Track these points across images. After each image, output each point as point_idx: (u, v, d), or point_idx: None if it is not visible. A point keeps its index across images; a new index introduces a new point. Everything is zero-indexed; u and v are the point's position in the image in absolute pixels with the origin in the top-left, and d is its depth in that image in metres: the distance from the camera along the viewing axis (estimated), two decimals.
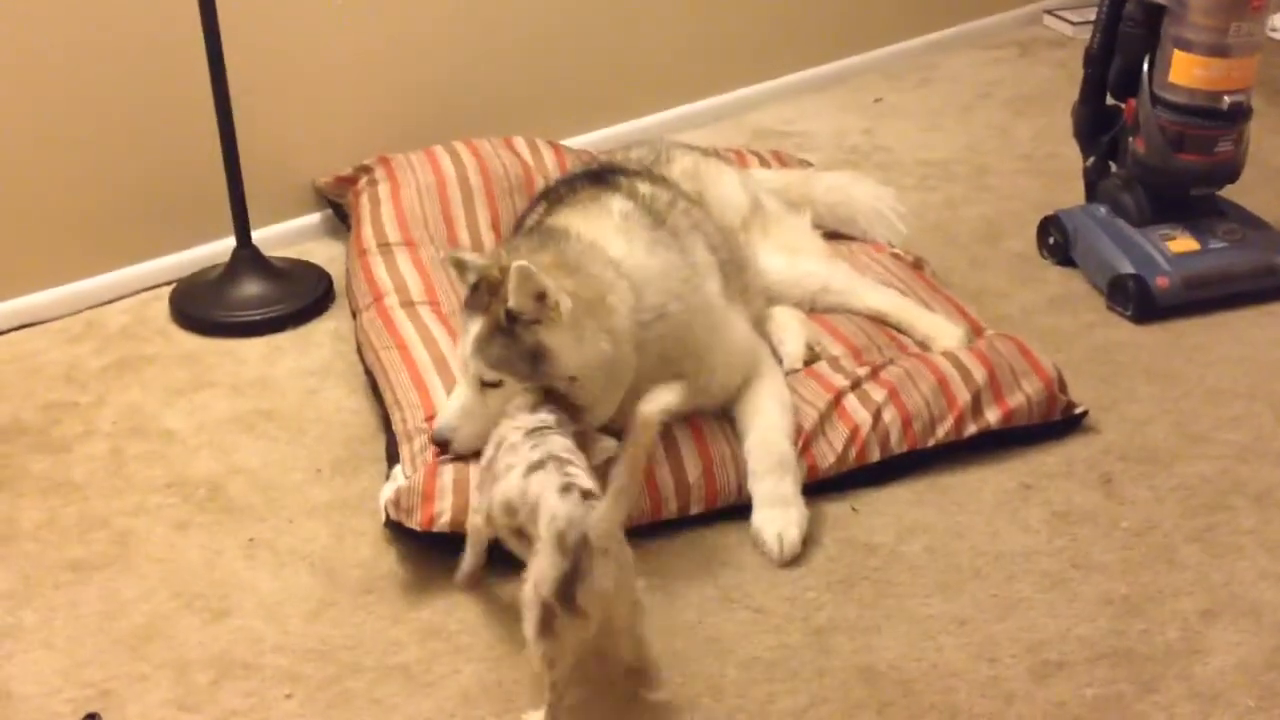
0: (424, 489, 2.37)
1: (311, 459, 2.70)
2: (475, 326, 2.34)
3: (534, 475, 2.06)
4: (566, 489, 1.99)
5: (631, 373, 2.39)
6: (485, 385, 2.36)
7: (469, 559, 2.29)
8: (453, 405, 2.42)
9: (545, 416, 2.23)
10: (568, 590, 1.92)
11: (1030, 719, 2.09)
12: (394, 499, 2.38)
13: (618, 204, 2.60)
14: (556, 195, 2.77)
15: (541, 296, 2.27)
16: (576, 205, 2.64)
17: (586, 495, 1.99)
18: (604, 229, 2.51)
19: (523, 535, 2.09)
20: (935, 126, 4.18)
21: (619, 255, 2.45)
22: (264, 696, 2.15)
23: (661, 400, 1.90)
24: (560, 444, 2.15)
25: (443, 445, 2.40)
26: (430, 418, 2.54)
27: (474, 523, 2.27)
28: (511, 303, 2.27)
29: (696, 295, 2.53)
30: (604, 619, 1.97)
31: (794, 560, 2.40)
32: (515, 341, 2.30)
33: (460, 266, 2.43)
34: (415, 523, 2.35)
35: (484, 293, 2.35)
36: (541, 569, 1.95)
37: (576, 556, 1.92)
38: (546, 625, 1.95)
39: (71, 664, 2.21)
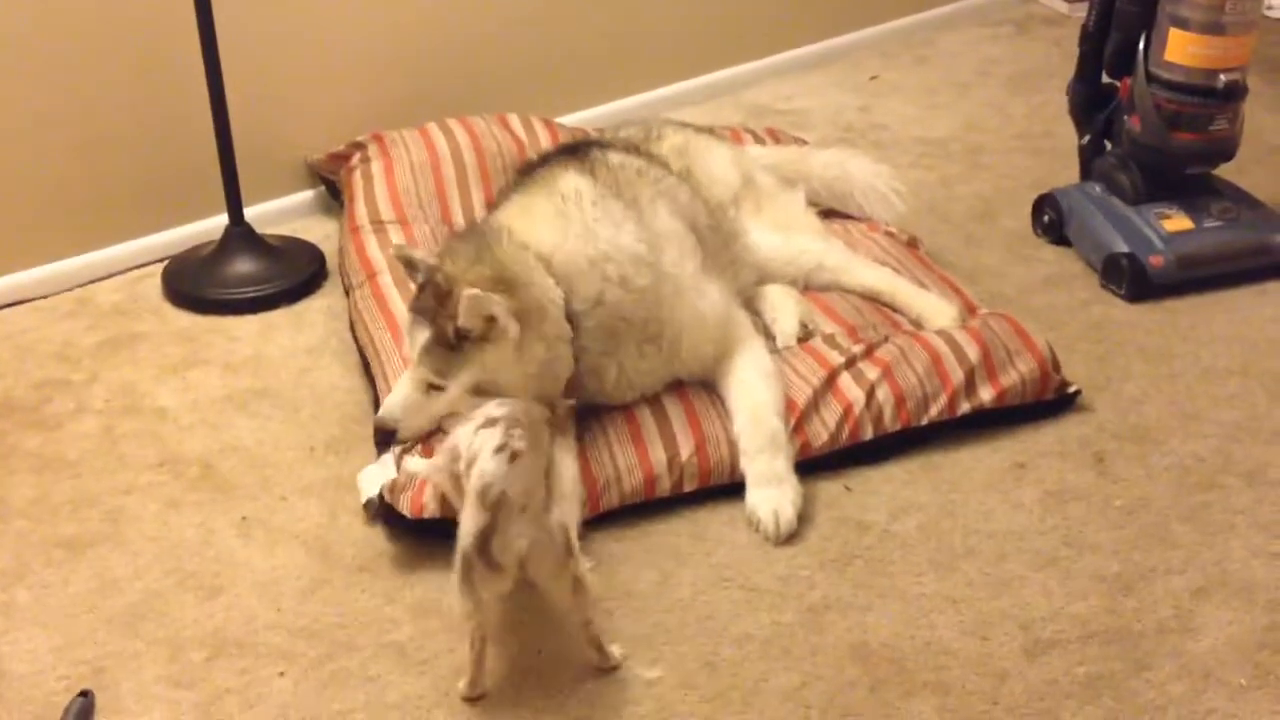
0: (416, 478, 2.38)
1: (305, 437, 2.70)
2: (422, 335, 2.40)
3: (483, 430, 2.10)
4: (500, 448, 2.04)
5: (569, 366, 2.47)
6: (430, 387, 2.42)
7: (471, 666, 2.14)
8: (396, 398, 2.46)
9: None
10: (484, 544, 1.99)
11: (1022, 696, 2.09)
12: (390, 488, 2.38)
13: (566, 184, 2.60)
14: (526, 171, 2.80)
15: (491, 320, 2.34)
16: (526, 190, 2.67)
17: (515, 456, 2.04)
18: (538, 221, 2.53)
19: (458, 482, 2.14)
20: (931, 104, 4.17)
21: (548, 250, 2.48)
22: (257, 674, 2.15)
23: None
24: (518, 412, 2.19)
25: (387, 435, 2.45)
26: None
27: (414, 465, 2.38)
28: (462, 322, 2.34)
29: (651, 269, 2.54)
30: (528, 580, 2.04)
31: (789, 538, 2.40)
32: (461, 354, 2.38)
33: (409, 264, 2.48)
34: (406, 510, 2.35)
35: (430, 297, 2.40)
36: (464, 522, 2.03)
37: (494, 512, 1.99)
38: (466, 578, 2.00)
39: (64, 642, 2.21)
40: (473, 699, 2.09)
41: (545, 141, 3.38)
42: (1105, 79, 3.32)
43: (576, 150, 2.80)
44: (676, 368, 2.58)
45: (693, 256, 2.64)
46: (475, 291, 2.31)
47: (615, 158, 2.72)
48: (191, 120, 3.15)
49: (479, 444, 2.08)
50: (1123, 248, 3.14)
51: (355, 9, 3.47)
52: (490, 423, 2.11)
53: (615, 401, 2.55)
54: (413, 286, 2.47)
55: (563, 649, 2.17)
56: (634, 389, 2.56)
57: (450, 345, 2.37)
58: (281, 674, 2.15)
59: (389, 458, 2.50)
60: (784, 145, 3.53)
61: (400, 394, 2.46)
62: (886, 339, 2.73)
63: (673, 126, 3.06)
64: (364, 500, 2.45)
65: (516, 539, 2.00)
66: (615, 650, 2.14)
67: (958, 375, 2.64)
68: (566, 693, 2.10)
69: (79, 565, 2.38)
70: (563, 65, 3.87)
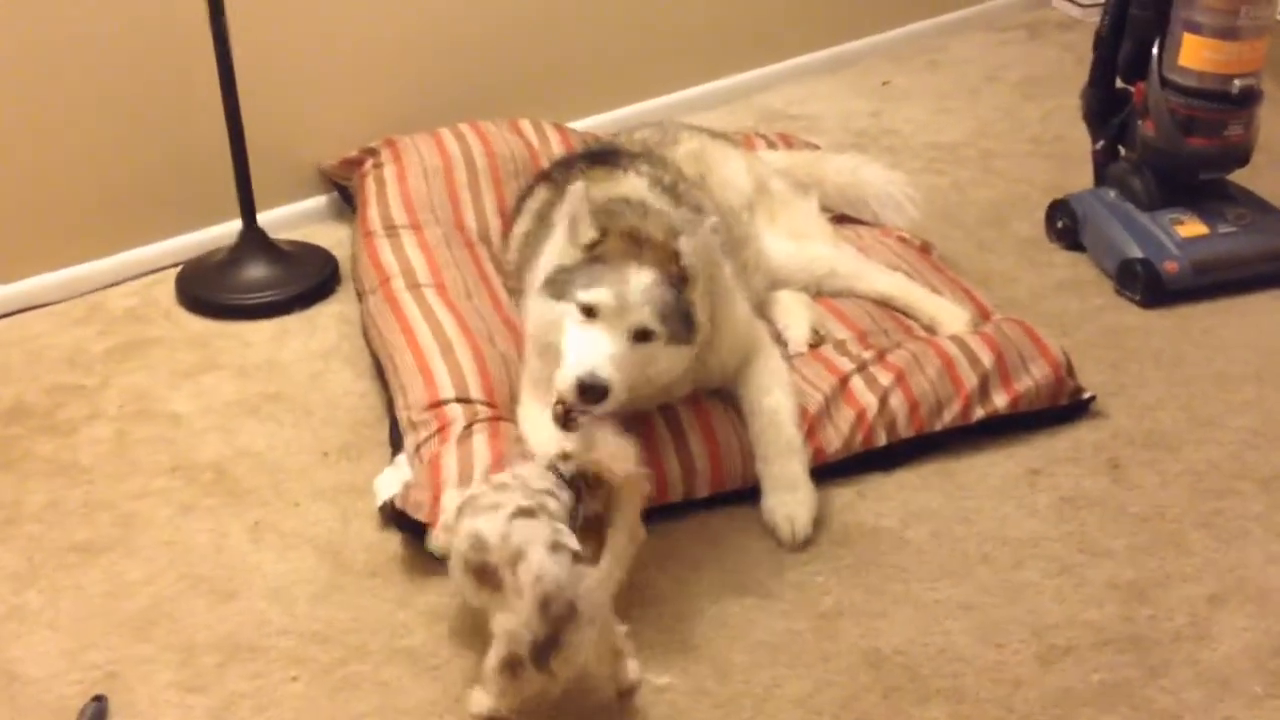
0: (429, 482, 2.37)
1: (318, 442, 2.70)
2: (642, 276, 2.28)
3: (520, 520, 1.95)
4: (556, 547, 1.90)
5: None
6: (636, 338, 2.29)
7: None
8: (599, 350, 2.23)
9: (553, 487, 2.08)
10: (542, 655, 1.85)
11: (1037, 704, 2.08)
12: (404, 494, 2.38)
13: (636, 181, 2.59)
14: (557, 178, 2.76)
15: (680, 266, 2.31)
16: (599, 184, 2.60)
17: (576, 558, 1.90)
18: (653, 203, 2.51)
19: (484, 574, 1.98)
20: (943, 109, 4.17)
21: None
22: (269, 679, 2.15)
23: (634, 458, 2.05)
24: (556, 508, 2.03)
25: (588, 394, 2.20)
26: (434, 405, 2.53)
27: (435, 540, 2.23)
28: (685, 262, 2.30)
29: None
30: (579, 677, 1.92)
31: (805, 544, 2.39)
32: (678, 299, 2.31)
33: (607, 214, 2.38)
34: (424, 516, 2.34)
35: (635, 245, 2.32)
36: (518, 626, 1.86)
37: (558, 624, 1.84)
38: (510, 670, 1.88)
39: (77, 646, 2.21)
40: None
41: (557, 146, 3.38)
42: (1119, 84, 3.31)
43: (602, 158, 2.77)
44: (704, 374, 2.55)
45: (729, 261, 2.63)
46: (690, 238, 2.31)
47: (646, 168, 2.69)
48: (205, 126, 3.15)
49: (522, 537, 1.91)
50: (1137, 253, 3.13)
51: (367, 15, 3.47)
52: (525, 512, 1.95)
53: (642, 406, 2.52)
54: (587, 237, 2.32)
55: None
56: (665, 393, 2.54)
57: (672, 286, 2.30)
58: (294, 679, 2.15)
59: (403, 459, 2.50)
60: (796, 150, 3.52)
61: (606, 346, 2.24)
62: (899, 344, 2.72)
63: (688, 131, 3.06)
64: (379, 504, 2.45)
65: (580, 652, 1.84)
66: (633, 667, 2.03)
67: (971, 381, 2.64)
68: (579, 700, 2.09)
69: (92, 570, 2.38)
70: (575, 70, 3.87)
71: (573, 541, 1.94)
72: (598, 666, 1.96)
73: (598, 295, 2.26)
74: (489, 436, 2.46)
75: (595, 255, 2.32)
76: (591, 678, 2.00)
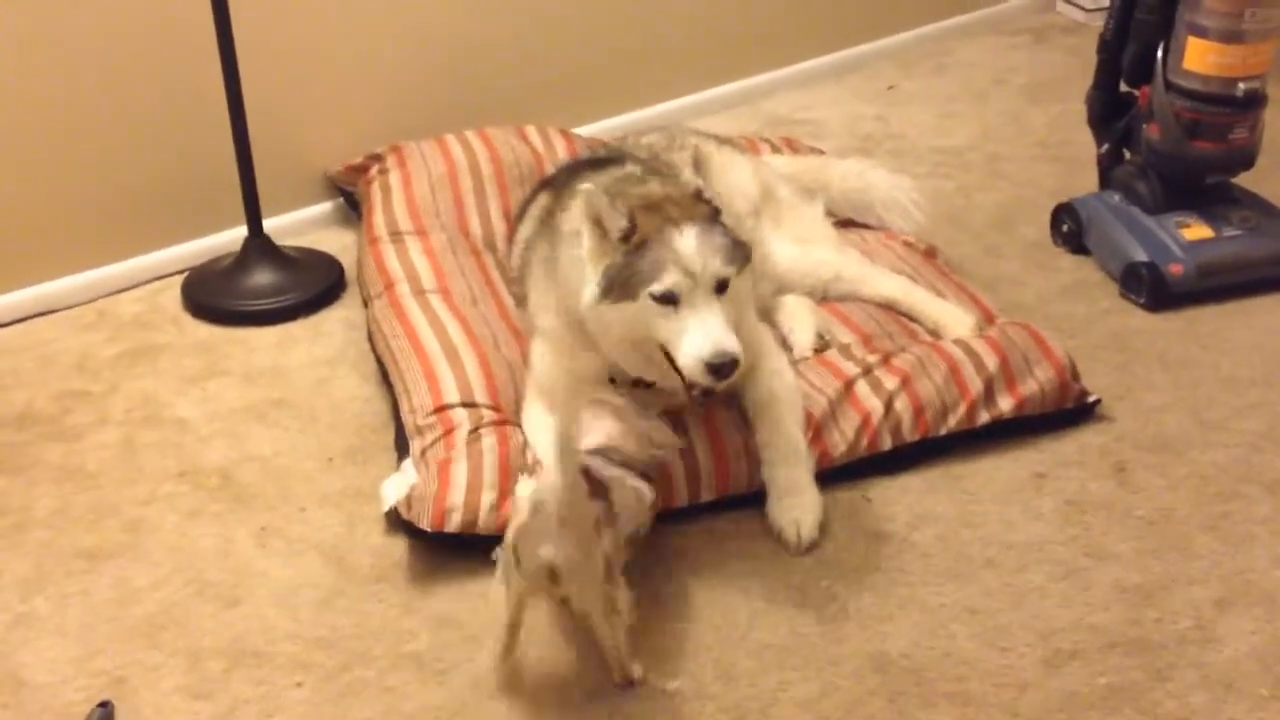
0: (436, 490, 2.38)
1: (323, 447, 2.70)
2: (689, 235, 2.28)
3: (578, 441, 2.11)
4: (537, 506, 2.02)
5: None
6: (719, 290, 2.29)
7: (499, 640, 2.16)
8: (707, 327, 2.25)
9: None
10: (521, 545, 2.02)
11: (1042, 708, 2.08)
12: (406, 503, 2.38)
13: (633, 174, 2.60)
14: (559, 184, 2.75)
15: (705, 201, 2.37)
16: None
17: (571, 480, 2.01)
18: None
19: None
20: (949, 114, 4.17)
21: None
22: (275, 685, 2.15)
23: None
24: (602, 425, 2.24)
25: (721, 371, 2.24)
26: (439, 409, 2.54)
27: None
28: (707, 195, 2.36)
29: None
30: (560, 594, 2.05)
31: (810, 548, 2.39)
32: (723, 231, 2.34)
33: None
34: (427, 524, 2.35)
35: (661, 210, 2.32)
36: (513, 516, 2.08)
37: (535, 517, 2.00)
38: (505, 569, 2.06)
39: (84, 652, 2.22)
40: (502, 670, 2.13)
41: (562, 152, 3.38)
42: (1124, 88, 3.31)
43: (605, 164, 2.77)
44: None
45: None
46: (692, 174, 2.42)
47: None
48: (211, 133, 3.16)
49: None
50: (1142, 256, 3.12)
51: (373, 22, 3.48)
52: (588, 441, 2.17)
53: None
54: (619, 227, 2.29)
55: (581, 660, 2.17)
56: (665, 402, 2.55)
57: (716, 224, 2.33)
58: (299, 684, 2.15)
59: (409, 464, 2.50)
60: (801, 155, 3.53)
61: (709, 318, 2.25)
62: (904, 349, 2.72)
63: (695, 136, 3.06)
64: (385, 509, 2.45)
65: (543, 547, 1.99)
66: (637, 668, 2.13)
67: (976, 385, 2.64)
68: (585, 704, 2.10)
69: (99, 575, 2.38)
70: (580, 77, 3.88)
71: (583, 457, 2.10)
72: (583, 600, 2.06)
73: (670, 279, 2.26)
74: (496, 441, 2.47)
75: (638, 242, 2.29)
76: (583, 618, 2.09)
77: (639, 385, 2.45)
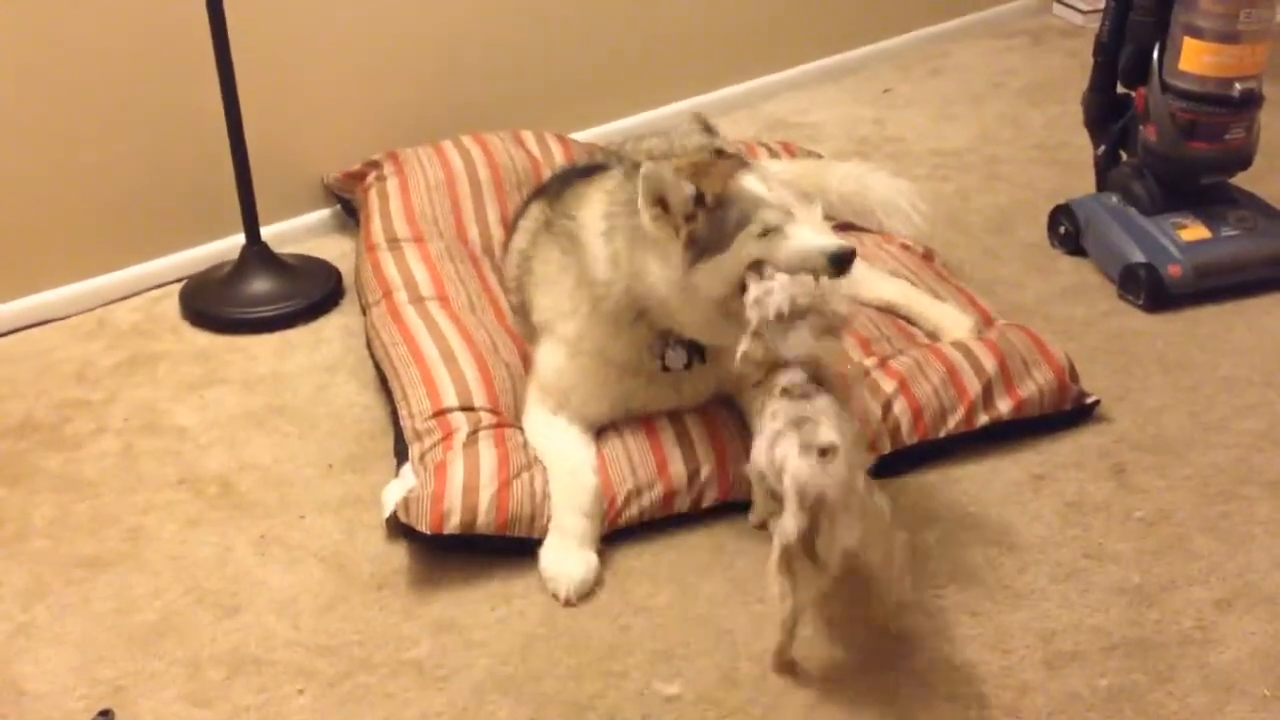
0: (434, 490, 2.37)
1: (323, 454, 2.70)
2: (748, 176, 2.37)
3: (777, 444, 2.10)
4: (806, 448, 2.04)
5: None
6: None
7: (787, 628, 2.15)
8: (819, 229, 2.40)
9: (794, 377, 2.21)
10: (808, 543, 2.01)
11: (1043, 709, 2.08)
12: (404, 505, 2.38)
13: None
14: (553, 192, 2.75)
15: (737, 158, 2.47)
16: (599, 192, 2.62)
17: (824, 452, 2.02)
18: None
19: (777, 497, 2.14)
20: (946, 116, 4.17)
21: None
22: (276, 692, 2.15)
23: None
24: (795, 409, 2.15)
25: (843, 261, 2.29)
26: (438, 413, 2.54)
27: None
28: (734, 150, 2.50)
29: None
30: (851, 567, 2.06)
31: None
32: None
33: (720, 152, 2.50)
34: (425, 527, 2.35)
35: (712, 168, 2.38)
36: (785, 521, 2.03)
37: (814, 514, 1.99)
38: (786, 564, 2.04)
39: (84, 661, 2.22)
40: (783, 669, 2.14)
41: (560, 158, 3.38)
42: (1120, 89, 3.31)
43: (600, 170, 2.78)
44: (719, 378, 2.57)
45: None
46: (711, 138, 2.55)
47: None
48: (208, 141, 3.16)
49: (780, 454, 2.08)
50: (1140, 258, 3.12)
51: (369, 30, 3.48)
52: (777, 436, 2.10)
53: (658, 408, 2.56)
54: (686, 193, 2.31)
55: (573, 663, 2.17)
56: (684, 397, 2.56)
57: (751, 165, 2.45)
58: (300, 692, 2.15)
59: (408, 470, 2.50)
60: (799, 159, 3.53)
61: (820, 226, 2.45)
62: (902, 352, 2.72)
63: (695, 139, 3.05)
64: (386, 516, 2.45)
65: (843, 537, 2.01)
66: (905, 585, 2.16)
67: (975, 387, 2.64)
68: (584, 707, 2.10)
69: (99, 584, 2.38)
70: (577, 82, 3.88)
71: (823, 434, 2.05)
72: (868, 554, 2.07)
73: (766, 214, 2.30)
74: (494, 444, 2.47)
75: (712, 202, 2.32)
76: (873, 578, 2.12)
77: (688, 366, 2.50)
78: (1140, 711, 2.07)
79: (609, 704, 2.11)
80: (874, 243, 3.16)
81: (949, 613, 2.26)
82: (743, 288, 2.28)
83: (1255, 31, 3.00)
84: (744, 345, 2.22)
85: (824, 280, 2.25)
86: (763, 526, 2.38)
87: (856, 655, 2.19)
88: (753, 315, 2.21)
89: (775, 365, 2.21)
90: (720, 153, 2.44)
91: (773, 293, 2.20)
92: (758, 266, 2.27)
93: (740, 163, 2.41)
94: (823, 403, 2.14)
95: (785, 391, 2.16)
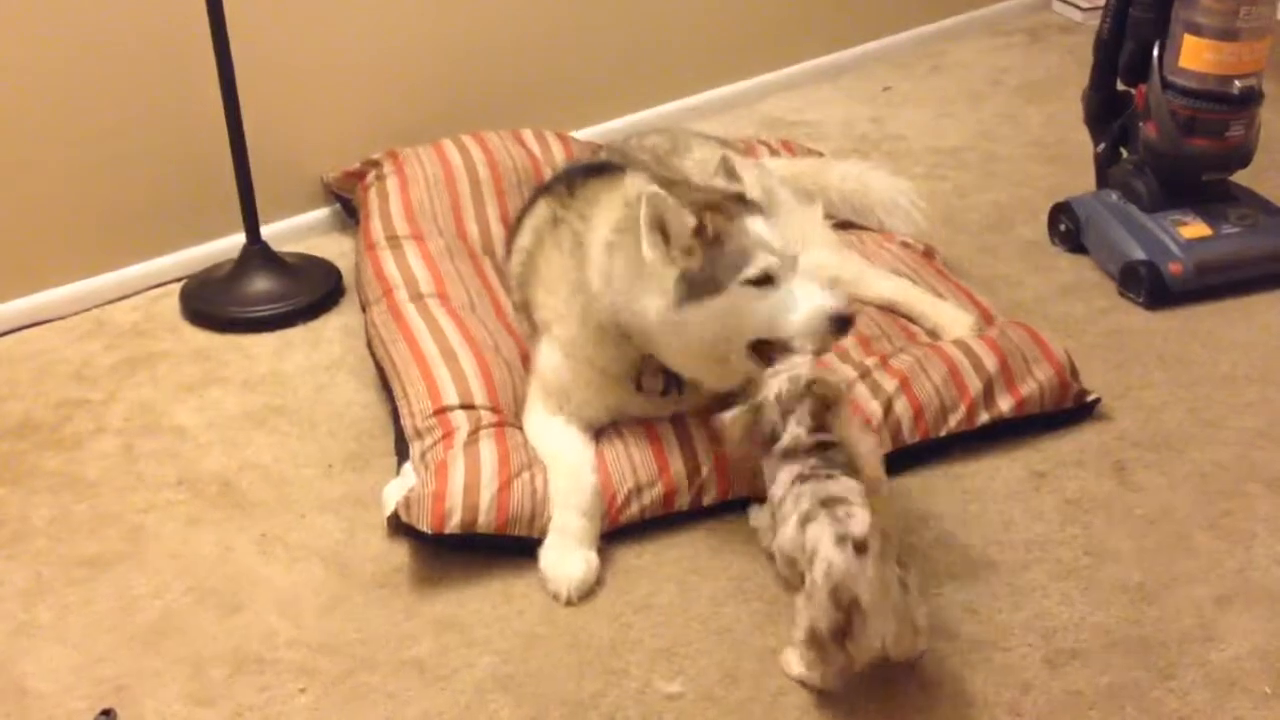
0: (435, 489, 2.37)
1: (323, 454, 2.70)
2: (757, 220, 2.35)
3: (809, 526, 2.07)
4: (841, 540, 2.00)
5: None
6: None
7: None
8: (813, 290, 2.32)
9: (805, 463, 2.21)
10: (838, 637, 2.00)
11: (1045, 707, 2.08)
12: (405, 504, 2.38)
13: (640, 182, 2.59)
14: (559, 190, 2.74)
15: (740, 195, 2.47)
16: (605, 191, 2.61)
17: (860, 549, 1.97)
18: None
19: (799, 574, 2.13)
20: (945, 114, 4.17)
21: None
22: (278, 691, 2.15)
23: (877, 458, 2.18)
24: (822, 489, 2.13)
25: (844, 324, 2.31)
26: (438, 412, 2.54)
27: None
28: (742, 189, 2.50)
29: None
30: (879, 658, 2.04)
31: None
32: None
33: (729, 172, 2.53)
34: (426, 525, 2.34)
35: (718, 206, 2.36)
36: (816, 612, 2.02)
37: (849, 612, 1.98)
38: (815, 646, 2.04)
39: (86, 660, 2.22)
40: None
41: (559, 156, 3.38)
42: (1120, 86, 3.31)
43: (606, 170, 2.77)
44: (730, 383, 2.56)
45: None
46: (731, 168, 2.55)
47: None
48: (207, 140, 3.16)
49: (813, 538, 2.05)
50: (1140, 255, 3.12)
51: (368, 28, 3.48)
52: (809, 517, 2.08)
53: (655, 415, 2.55)
54: (689, 225, 2.30)
55: (574, 661, 2.17)
56: (681, 403, 2.55)
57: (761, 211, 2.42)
58: (302, 690, 2.15)
59: (409, 468, 2.50)
60: (799, 157, 3.53)
61: (811, 284, 2.33)
62: (902, 350, 2.72)
63: (699, 139, 3.06)
64: (387, 515, 2.45)
65: (875, 637, 1.99)
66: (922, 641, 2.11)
67: (976, 385, 2.64)
68: (586, 705, 2.10)
69: (100, 584, 2.38)
70: (576, 80, 3.88)
71: (857, 525, 2.01)
72: (895, 649, 2.03)
73: (764, 260, 2.30)
74: (495, 443, 2.47)
75: (712, 237, 2.30)
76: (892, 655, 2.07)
77: (664, 393, 2.49)
78: (1141, 709, 2.07)
79: (610, 702, 2.11)
80: (874, 241, 3.16)
81: (949, 610, 2.26)
82: (751, 351, 2.31)
83: (1255, 29, 3.00)
84: (733, 414, 2.24)
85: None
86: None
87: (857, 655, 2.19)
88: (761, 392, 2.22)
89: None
90: (740, 199, 2.41)
91: (778, 375, 2.22)
92: (762, 349, 2.28)
93: (755, 208, 2.39)
94: (849, 482, 2.12)
95: (803, 478, 2.16)
